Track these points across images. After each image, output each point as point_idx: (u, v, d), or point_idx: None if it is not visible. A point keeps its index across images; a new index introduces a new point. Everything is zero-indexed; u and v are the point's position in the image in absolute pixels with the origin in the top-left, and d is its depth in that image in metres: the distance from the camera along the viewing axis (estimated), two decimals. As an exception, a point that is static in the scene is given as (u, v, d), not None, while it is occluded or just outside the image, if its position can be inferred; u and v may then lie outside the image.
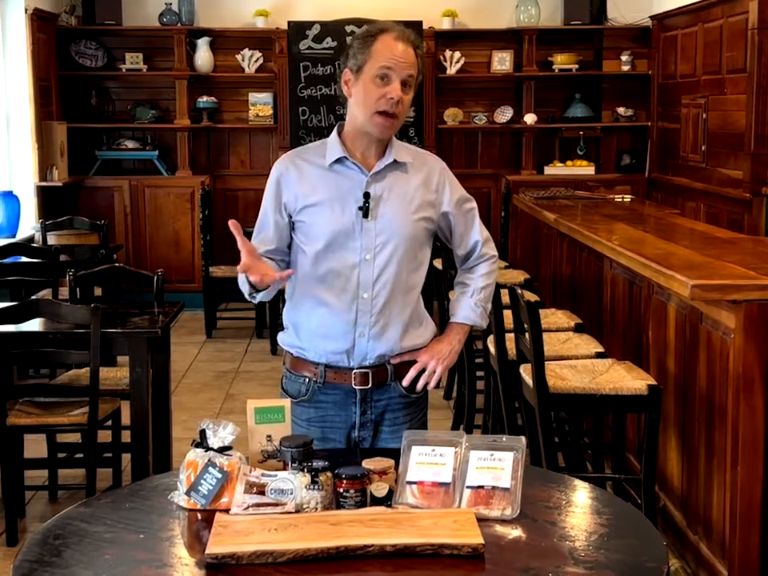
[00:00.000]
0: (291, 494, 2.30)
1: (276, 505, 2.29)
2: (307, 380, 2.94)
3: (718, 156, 7.87)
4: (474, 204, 3.09)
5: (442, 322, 5.29)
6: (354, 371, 2.90)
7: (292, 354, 2.98)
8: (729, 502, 3.77)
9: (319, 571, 2.05)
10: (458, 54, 9.62)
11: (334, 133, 2.94)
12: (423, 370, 2.95)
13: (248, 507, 2.30)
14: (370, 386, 2.91)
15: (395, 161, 2.90)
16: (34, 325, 4.67)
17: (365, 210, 2.84)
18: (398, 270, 2.88)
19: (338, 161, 2.89)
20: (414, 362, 2.95)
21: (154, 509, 2.39)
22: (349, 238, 2.85)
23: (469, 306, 3.06)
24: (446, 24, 9.57)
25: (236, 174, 9.94)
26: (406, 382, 2.94)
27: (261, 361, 7.81)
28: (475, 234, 3.07)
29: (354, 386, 2.91)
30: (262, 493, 2.32)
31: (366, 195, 2.85)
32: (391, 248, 2.87)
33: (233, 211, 9.77)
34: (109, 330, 4.50)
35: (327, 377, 2.91)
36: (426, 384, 2.97)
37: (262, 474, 2.36)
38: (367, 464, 2.41)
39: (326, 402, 2.93)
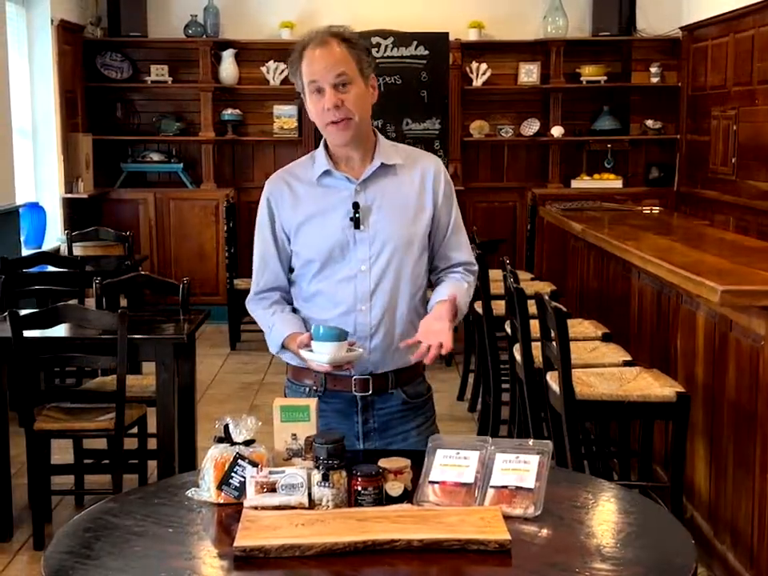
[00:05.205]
0: (302, 486, 2.29)
1: (290, 506, 2.28)
2: (308, 389, 2.90)
3: (749, 168, 7.81)
4: (457, 215, 2.91)
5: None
6: (354, 378, 2.83)
7: (293, 364, 2.96)
8: (757, 511, 3.73)
9: (346, 565, 2.05)
10: (484, 66, 9.57)
11: (321, 145, 2.85)
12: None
13: (263, 509, 2.28)
14: (370, 392, 2.85)
15: (383, 164, 2.80)
16: (61, 330, 4.69)
17: (356, 221, 2.76)
18: (396, 278, 2.79)
19: (325, 173, 2.81)
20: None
21: (182, 504, 2.39)
22: (343, 252, 2.77)
23: (452, 287, 2.85)
24: (472, 36, 9.55)
25: (260, 187, 9.56)
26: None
27: (285, 373, 7.77)
28: (457, 253, 2.92)
29: (355, 393, 2.85)
30: (273, 490, 2.31)
31: (356, 205, 2.76)
32: (387, 256, 2.77)
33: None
34: (135, 336, 4.52)
35: (327, 384, 2.86)
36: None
37: (270, 473, 2.34)
38: (383, 463, 2.38)
39: (327, 411, 2.84)
